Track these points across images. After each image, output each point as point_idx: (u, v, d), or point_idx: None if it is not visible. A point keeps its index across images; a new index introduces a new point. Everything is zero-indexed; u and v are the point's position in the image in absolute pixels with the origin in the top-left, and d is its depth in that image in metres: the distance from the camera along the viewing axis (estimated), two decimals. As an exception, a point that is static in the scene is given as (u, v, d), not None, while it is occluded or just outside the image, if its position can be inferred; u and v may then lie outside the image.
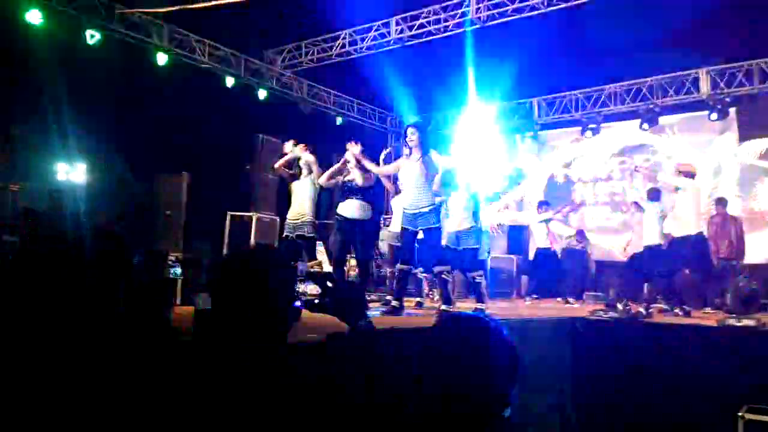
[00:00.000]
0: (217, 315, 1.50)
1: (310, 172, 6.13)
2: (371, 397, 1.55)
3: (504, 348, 1.40)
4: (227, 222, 9.26)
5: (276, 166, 6.51)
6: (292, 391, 1.40)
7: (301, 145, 6.30)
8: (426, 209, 5.35)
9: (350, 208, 5.75)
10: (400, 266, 5.55)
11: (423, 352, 1.41)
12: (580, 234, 10.33)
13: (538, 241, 9.32)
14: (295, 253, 6.10)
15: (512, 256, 11.19)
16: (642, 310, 6.11)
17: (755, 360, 4.66)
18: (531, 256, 10.37)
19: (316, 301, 1.75)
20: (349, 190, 5.80)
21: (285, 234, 6.22)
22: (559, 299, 9.38)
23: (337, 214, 5.88)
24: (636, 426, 4.96)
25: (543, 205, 9.47)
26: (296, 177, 6.24)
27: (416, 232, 5.45)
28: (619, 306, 5.94)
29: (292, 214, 6.15)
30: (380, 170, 6.03)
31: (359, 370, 1.62)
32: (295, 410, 1.38)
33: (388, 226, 8.37)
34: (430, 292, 7.68)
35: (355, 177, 5.76)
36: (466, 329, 1.41)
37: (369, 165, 5.75)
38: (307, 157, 6.17)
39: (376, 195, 5.84)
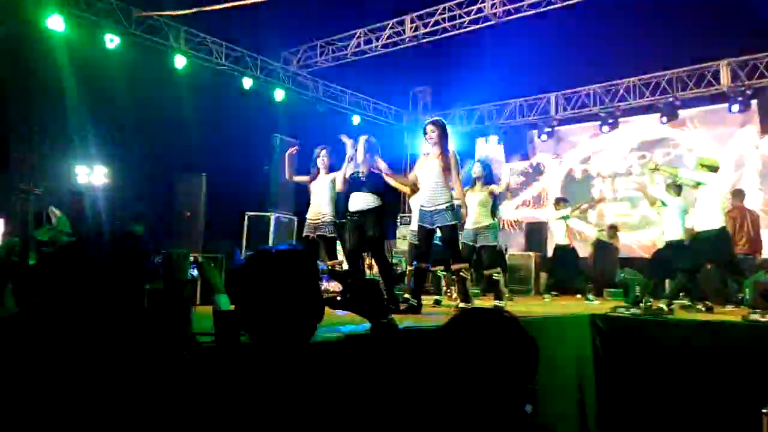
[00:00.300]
0: (239, 316, 1.50)
1: (329, 171, 6.13)
2: (393, 394, 1.55)
3: (524, 342, 1.39)
4: (246, 222, 9.31)
5: (287, 177, 6.51)
6: (316, 390, 1.41)
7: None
8: (443, 206, 5.32)
9: (356, 202, 5.68)
10: (417, 264, 5.53)
11: (443, 346, 1.40)
12: (612, 228, 10.24)
13: (557, 237, 9.25)
14: (315, 252, 6.10)
15: (530, 252, 11.12)
16: (664, 306, 6.04)
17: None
18: (549, 253, 10.29)
19: (338, 298, 1.76)
20: (353, 183, 5.71)
21: (305, 233, 6.22)
22: (578, 296, 9.31)
23: (347, 211, 5.83)
24: (659, 424, 4.91)
25: (561, 201, 9.38)
26: (314, 178, 6.24)
27: (433, 230, 5.43)
28: (641, 303, 5.88)
29: (311, 214, 6.15)
30: (393, 180, 5.94)
31: (382, 367, 1.62)
32: (318, 409, 1.38)
33: (407, 224, 8.36)
34: (449, 290, 7.66)
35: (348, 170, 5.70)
36: (486, 324, 1.41)
37: (381, 165, 5.67)
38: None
39: (382, 184, 5.68)
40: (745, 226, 8.28)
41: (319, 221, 6.05)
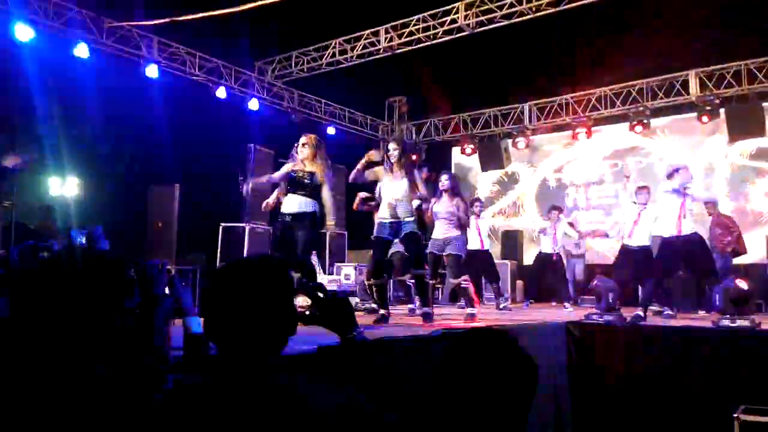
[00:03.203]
0: (209, 330, 1.47)
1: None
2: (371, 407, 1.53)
3: (523, 365, 1.37)
4: (220, 233, 9.22)
5: (271, 202, 6.13)
6: (286, 407, 1.38)
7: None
8: (410, 219, 5.45)
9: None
10: (374, 280, 5.55)
11: (444, 364, 1.38)
12: (582, 238, 10.37)
13: (543, 246, 9.24)
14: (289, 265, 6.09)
15: (506, 261, 11.18)
16: (640, 312, 6.11)
17: (750, 360, 4.66)
18: (525, 260, 10.35)
19: (307, 312, 1.74)
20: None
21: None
22: (554, 303, 9.38)
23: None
24: (632, 428, 4.96)
25: (555, 209, 9.35)
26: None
27: (390, 242, 5.54)
28: (614, 309, 5.93)
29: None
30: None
31: (355, 381, 1.60)
32: (288, 426, 1.36)
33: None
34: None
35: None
36: (487, 347, 1.39)
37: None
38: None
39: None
40: (723, 231, 8.44)
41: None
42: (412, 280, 6.27)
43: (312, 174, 5.21)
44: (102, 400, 1.40)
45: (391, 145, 5.53)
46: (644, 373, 5.06)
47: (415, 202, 5.58)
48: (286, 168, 5.38)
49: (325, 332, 1.77)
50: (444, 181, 6.28)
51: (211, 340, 1.46)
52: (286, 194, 5.31)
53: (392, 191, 5.48)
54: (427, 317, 5.50)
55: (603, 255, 11.32)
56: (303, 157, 5.28)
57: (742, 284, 5.39)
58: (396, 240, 5.62)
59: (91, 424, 1.36)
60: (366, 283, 6.14)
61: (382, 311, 5.41)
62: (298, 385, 1.32)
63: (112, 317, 1.57)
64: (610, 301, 5.56)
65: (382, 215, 5.56)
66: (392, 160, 5.47)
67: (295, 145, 5.41)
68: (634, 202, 7.76)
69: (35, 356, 1.40)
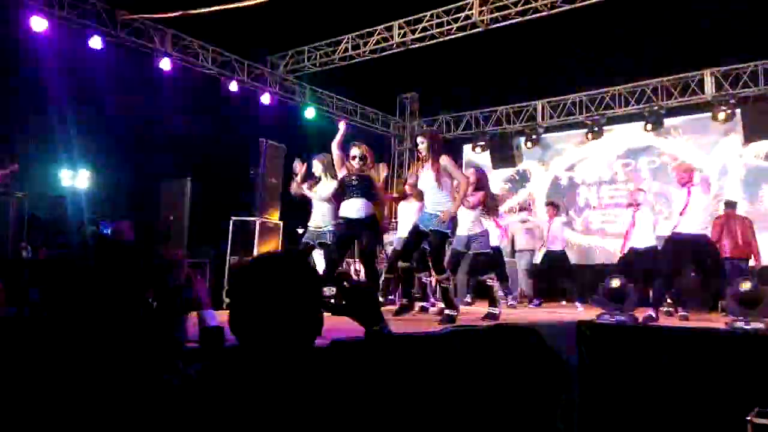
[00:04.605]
0: (234, 324, 1.45)
1: (326, 178, 6.16)
2: (392, 404, 1.51)
3: (550, 362, 1.36)
4: (230, 226, 9.24)
5: (293, 191, 6.50)
6: (312, 398, 1.36)
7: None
8: (438, 212, 5.39)
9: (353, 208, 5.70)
10: (402, 264, 5.58)
11: (471, 361, 1.36)
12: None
13: (551, 243, 9.18)
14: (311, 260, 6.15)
15: (516, 259, 11.10)
16: (651, 313, 6.06)
17: (764, 363, 4.61)
18: (535, 259, 10.28)
19: (333, 302, 1.72)
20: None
21: (305, 240, 6.26)
22: (564, 302, 9.33)
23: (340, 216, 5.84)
24: (643, 430, 4.92)
25: (554, 205, 9.33)
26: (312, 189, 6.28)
27: (426, 233, 5.47)
28: (626, 309, 5.88)
29: (314, 224, 6.21)
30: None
31: (377, 375, 1.58)
32: (313, 417, 1.33)
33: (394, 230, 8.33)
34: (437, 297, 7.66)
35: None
36: (514, 343, 1.37)
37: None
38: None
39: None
40: (734, 232, 8.34)
41: (322, 230, 6.09)
42: (430, 279, 6.26)
43: None
44: (125, 383, 1.39)
45: (419, 139, 5.56)
46: (656, 374, 5.01)
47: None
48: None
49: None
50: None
51: (235, 334, 1.45)
52: None
53: (425, 184, 5.50)
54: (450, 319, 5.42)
55: (614, 254, 11.24)
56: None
57: (747, 285, 5.37)
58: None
59: (113, 405, 1.36)
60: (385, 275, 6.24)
61: (404, 300, 5.45)
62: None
63: (136, 307, 1.57)
64: (635, 301, 5.48)
65: (426, 206, 5.58)
66: (422, 154, 5.48)
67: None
68: (629, 205, 7.82)
69: (63, 341, 1.40)
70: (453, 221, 5.47)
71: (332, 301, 1.69)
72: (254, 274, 1.46)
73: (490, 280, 6.15)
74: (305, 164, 6.44)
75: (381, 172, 5.92)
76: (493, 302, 6.06)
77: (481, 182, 6.27)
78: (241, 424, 1.26)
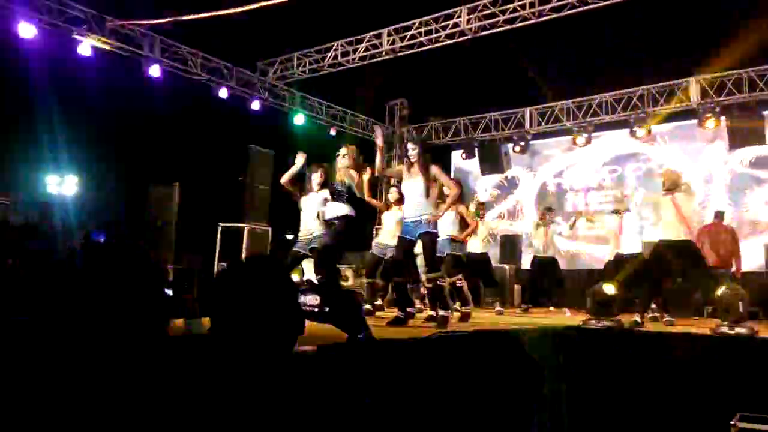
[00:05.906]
0: (217, 331, 1.46)
1: (322, 188, 6.13)
2: (375, 408, 1.53)
3: (529, 366, 1.38)
4: (219, 233, 9.21)
5: (283, 181, 6.44)
6: (293, 401, 1.38)
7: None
8: (424, 218, 5.42)
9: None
10: (396, 279, 5.60)
11: (449, 365, 1.39)
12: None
13: (536, 248, 9.22)
14: (292, 267, 6.16)
15: (505, 265, 11.17)
16: (637, 318, 6.11)
17: (748, 368, 4.66)
18: (524, 264, 10.34)
19: (316, 310, 1.73)
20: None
21: (296, 249, 6.23)
22: (551, 308, 9.37)
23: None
24: (629, 435, 4.95)
25: (548, 210, 9.37)
26: (302, 193, 6.24)
27: (414, 242, 5.48)
28: (613, 315, 5.93)
29: (303, 232, 6.18)
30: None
31: (360, 380, 1.60)
32: (296, 419, 1.35)
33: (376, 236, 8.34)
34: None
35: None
36: (491, 347, 1.40)
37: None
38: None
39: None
40: (720, 241, 8.41)
41: (311, 236, 6.07)
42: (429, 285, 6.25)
43: None
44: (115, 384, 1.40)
45: (410, 145, 5.57)
46: (641, 379, 5.05)
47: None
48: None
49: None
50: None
51: (216, 340, 1.46)
52: None
53: (411, 191, 5.50)
54: (445, 321, 5.47)
55: (600, 260, 11.31)
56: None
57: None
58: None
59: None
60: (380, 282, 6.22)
61: (399, 314, 5.43)
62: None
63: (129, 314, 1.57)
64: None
65: (406, 215, 5.59)
66: (412, 160, 5.49)
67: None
68: (612, 212, 7.91)
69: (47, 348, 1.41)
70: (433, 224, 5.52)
71: (315, 309, 1.71)
72: (228, 281, 1.48)
73: (459, 282, 6.19)
74: (305, 164, 6.38)
75: (364, 174, 5.84)
76: (445, 306, 6.08)
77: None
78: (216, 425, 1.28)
